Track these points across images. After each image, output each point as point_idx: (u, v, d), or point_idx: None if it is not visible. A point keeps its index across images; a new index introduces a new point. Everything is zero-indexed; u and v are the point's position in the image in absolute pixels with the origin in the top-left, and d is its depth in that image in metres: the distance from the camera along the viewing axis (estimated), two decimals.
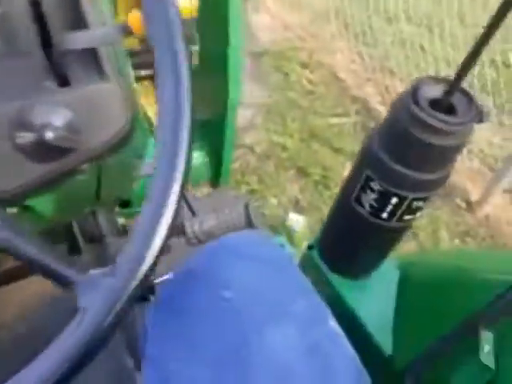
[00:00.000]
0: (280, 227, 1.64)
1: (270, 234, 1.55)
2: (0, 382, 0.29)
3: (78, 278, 0.33)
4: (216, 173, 1.10)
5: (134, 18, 0.38)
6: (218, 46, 0.89)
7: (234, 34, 0.83)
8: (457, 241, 1.70)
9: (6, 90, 0.43)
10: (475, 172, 1.85)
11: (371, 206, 0.54)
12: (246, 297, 0.45)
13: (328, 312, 0.49)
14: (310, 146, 1.88)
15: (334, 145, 1.88)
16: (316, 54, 2.23)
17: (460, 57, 0.46)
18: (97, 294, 0.31)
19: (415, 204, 0.52)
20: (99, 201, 0.66)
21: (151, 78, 1.17)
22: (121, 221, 0.99)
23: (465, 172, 1.84)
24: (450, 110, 0.47)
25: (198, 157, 1.10)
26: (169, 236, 0.32)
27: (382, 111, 2.00)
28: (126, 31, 0.40)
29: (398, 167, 0.50)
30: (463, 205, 1.77)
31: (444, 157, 0.49)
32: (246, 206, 0.84)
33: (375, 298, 0.66)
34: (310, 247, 0.70)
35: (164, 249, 0.32)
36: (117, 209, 0.97)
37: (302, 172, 1.81)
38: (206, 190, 1.31)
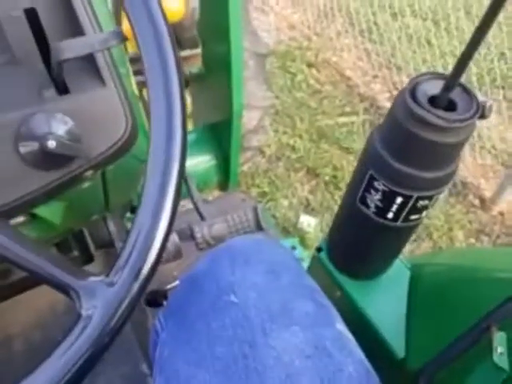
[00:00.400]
0: (292, 229, 1.63)
1: (281, 236, 1.54)
2: None
3: (78, 284, 0.33)
4: (225, 176, 1.10)
5: (127, 25, 0.38)
6: (220, 49, 0.89)
7: (234, 36, 0.82)
8: (472, 239, 1.67)
9: (6, 101, 0.43)
10: (488, 168, 1.82)
11: (376, 207, 0.54)
12: (251, 301, 0.44)
13: (336, 315, 0.48)
14: (320, 146, 1.87)
15: (344, 144, 1.87)
16: (322, 52, 2.22)
17: None
18: (97, 302, 0.31)
19: (420, 203, 0.51)
20: (108, 207, 0.66)
21: None
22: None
23: (478, 169, 1.82)
24: (450, 106, 0.46)
25: (206, 161, 1.10)
26: (166, 243, 0.32)
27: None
28: (121, 37, 0.40)
29: (400, 166, 0.49)
30: (477, 202, 1.74)
31: (446, 154, 0.48)
32: (255, 210, 0.84)
33: (386, 299, 0.65)
34: (318, 249, 0.69)
35: (162, 254, 0.32)
36: (128, 214, 0.97)
37: (312, 173, 1.80)
38: (215, 193, 1.31)
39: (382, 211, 0.54)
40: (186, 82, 1.10)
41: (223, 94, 0.96)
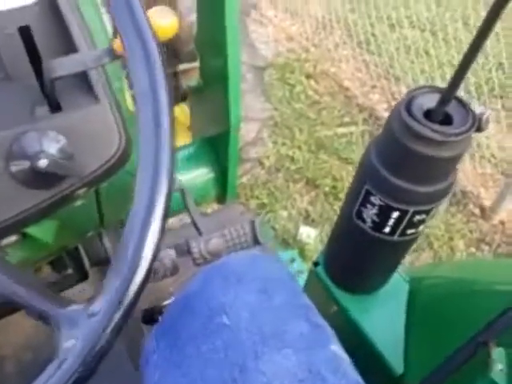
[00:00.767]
0: (291, 241, 1.63)
1: (281, 248, 1.53)
2: None
3: (57, 312, 0.31)
4: (223, 189, 1.10)
5: (119, 43, 0.38)
6: (217, 62, 0.89)
7: (231, 50, 0.83)
8: (472, 249, 1.66)
9: None
10: (488, 177, 1.82)
11: (373, 221, 0.53)
12: (243, 322, 0.44)
13: (331, 335, 0.48)
14: (319, 157, 1.87)
15: (343, 155, 1.87)
16: (320, 64, 2.23)
17: None
18: (78, 332, 0.30)
19: (417, 217, 0.51)
20: (103, 223, 0.65)
21: None
22: None
23: (477, 178, 1.81)
24: (446, 119, 0.46)
25: (204, 174, 1.10)
26: (152, 268, 0.31)
27: None
28: (113, 55, 0.40)
29: (396, 181, 0.48)
30: (477, 211, 1.74)
31: (442, 168, 0.47)
32: (253, 223, 0.83)
33: (384, 314, 0.65)
34: (315, 264, 0.69)
35: (148, 280, 0.31)
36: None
37: (312, 184, 1.80)
38: (214, 206, 1.31)
39: (378, 226, 0.53)
40: (184, 96, 1.10)
41: (221, 107, 0.96)
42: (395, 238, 0.54)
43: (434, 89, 0.48)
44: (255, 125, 1.39)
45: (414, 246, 1.77)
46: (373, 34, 2.16)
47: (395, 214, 0.51)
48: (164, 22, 0.49)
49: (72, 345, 0.29)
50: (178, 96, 1.08)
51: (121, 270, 0.31)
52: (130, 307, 0.31)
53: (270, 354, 0.41)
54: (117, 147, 0.47)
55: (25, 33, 0.46)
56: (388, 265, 0.61)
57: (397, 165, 0.49)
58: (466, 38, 1.83)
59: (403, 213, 0.51)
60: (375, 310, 0.65)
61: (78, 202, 0.51)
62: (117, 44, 0.40)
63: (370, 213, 0.53)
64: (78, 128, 0.45)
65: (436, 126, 0.45)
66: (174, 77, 1.11)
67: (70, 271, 0.85)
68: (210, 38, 0.90)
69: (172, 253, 0.74)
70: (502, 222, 1.70)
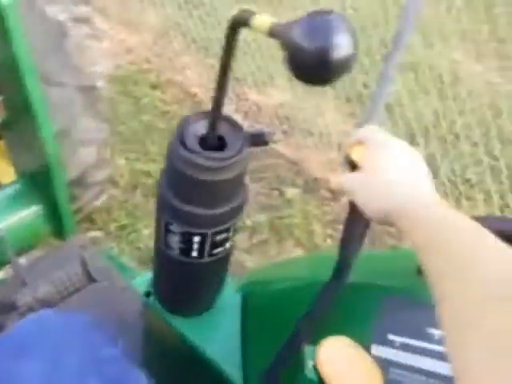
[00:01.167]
0: None
1: (142, 270, 1.48)
2: None
3: None
4: (57, 224, 1.03)
5: None
6: (17, 92, 0.82)
7: (28, 79, 0.77)
8: (329, 230, 1.78)
9: None
10: (335, 162, 1.96)
11: (179, 248, 0.53)
12: None
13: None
14: None
15: None
16: (164, 73, 2.21)
17: None
18: None
19: (218, 238, 0.52)
20: None
21: None
22: None
23: (325, 164, 1.95)
24: (221, 143, 0.47)
25: (34, 212, 1.02)
26: None
27: (238, 119, 2.04)
28: None
29: (187, 207, 0.49)
30: (328, 195, 1.87)
31: (228, 189, 0.49)
32: (83, 261, 0.79)
33: (221, 331, 0.65)
34: (147, 294, 0.67)
35: None
36: None
37: None
38: (54, 242, 1.21)
39: (185, 251, 0.53)
40: None
41: (34, 141, 0.89)
42: (205, 259, 0.54)
43: (204, 114, 0.48)
44: (94, 147, 1.33)
45: (278, 238, 1.83)
46: (209, 39, 2.20)
47: (196, 239, 0.51)
48: None
49: None
50: None
51: None
52: None
53: None
54: None
55: None
56: (210, 284, 0.62)
57: (184, 193, 0.49)
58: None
59: (203, 236, 0.51)
60: (211, 327, 0.65)
61: None
62: None
63: (175, 240, 0.52)
64: None
65: (209, 153, 0.45)
66: None
67: None
68: (4, 67, 0.83)
69: None
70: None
